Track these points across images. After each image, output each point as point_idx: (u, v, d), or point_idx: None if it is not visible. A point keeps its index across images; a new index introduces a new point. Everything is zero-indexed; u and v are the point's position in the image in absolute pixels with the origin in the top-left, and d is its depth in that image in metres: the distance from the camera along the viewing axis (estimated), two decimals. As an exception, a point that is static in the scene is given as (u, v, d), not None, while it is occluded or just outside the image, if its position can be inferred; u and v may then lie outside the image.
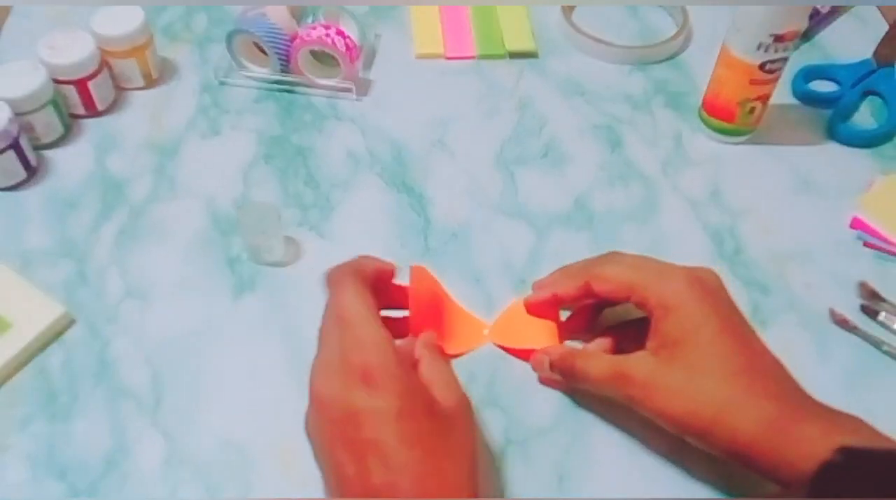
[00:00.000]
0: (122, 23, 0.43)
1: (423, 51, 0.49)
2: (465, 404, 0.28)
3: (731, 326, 0.29)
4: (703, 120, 0.45)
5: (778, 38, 0.39)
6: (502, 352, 0.35)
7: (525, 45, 0.49)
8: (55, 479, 0.31)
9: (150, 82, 0.46)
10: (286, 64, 0.46)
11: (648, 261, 0.31)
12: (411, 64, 0.49)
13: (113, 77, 0.45)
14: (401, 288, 0.32)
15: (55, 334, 0.35)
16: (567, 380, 0.32)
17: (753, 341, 0.29)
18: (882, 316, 0.36)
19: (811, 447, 0.25)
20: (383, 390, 0.25)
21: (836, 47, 0.50)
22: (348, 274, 0.29)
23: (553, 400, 0.33)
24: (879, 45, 0.48)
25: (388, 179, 0.42)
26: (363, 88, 0.47)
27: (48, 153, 0.43)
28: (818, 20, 0.51)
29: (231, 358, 0.34)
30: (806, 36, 0.51)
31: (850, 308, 0.37)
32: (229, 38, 0.45)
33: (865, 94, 0.47)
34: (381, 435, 0.25)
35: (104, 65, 0.44)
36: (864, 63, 0.48)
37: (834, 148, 0.45)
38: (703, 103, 0.44)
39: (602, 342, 0.33)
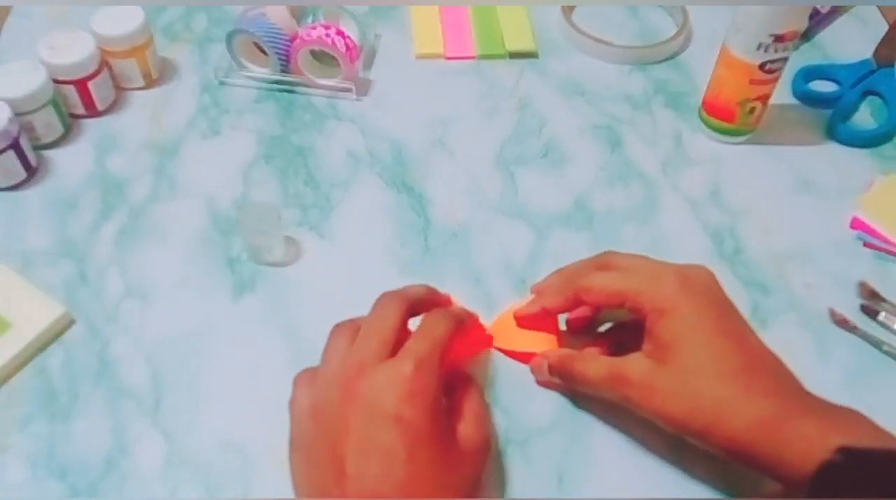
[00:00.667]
0: (122, 23, 0.43)
1: (423, 51, 0.49)
2: (485, 445, 0.29)
3: (724, 324, 0.28)
4: (703, 120, 0.45)
5: (778, 38, 0.39)
6: (501, 352, 0.35)
7: (525, 45, 0.49)
8: (55, 479, 0.31)
9: (150, 82, 0.46)
10: (286, 64, 0.46)
11: (639, 263, 0.31)
12: (411, 64, 0.49)
13: (113, 77, 0.45)
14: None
15: (55, 334, 0.35)
16: (566, 383, 0.32)
17: (749, 338, 0.29)
18: (882, 316, 0.36)
19: (809, 446, 0.25)
20: (411, 404, 0.26)
21: (836, 47, 0.50)
22: (397, 298, 0.30)
23: (553, 400, 0.33)
24: (879, 45, 0.48)
25: (388, 179, 0.42)
26: (363, 88, 0.47)
27: (48, 153, 0.43)
28: (818, 20, 0.51)
29: (231, 358, 0.34)
30: (806, 36, 0.51)
31: (850, 308, 0.37)
32: (229, 38, 0.45)
33: (865, 94, 0.47)
34: (394, 446, 0.26)
35: (104, 65, 0.44)
36: (863, 63, 0.48)
37: (834, 148, 0.45)
38: (703, 103, 0.44)
39: (598, 348, 0.33)
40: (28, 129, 0.41)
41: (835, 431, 0.26)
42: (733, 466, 0.28)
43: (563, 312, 0.33)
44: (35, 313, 0.35)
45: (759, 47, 0.39)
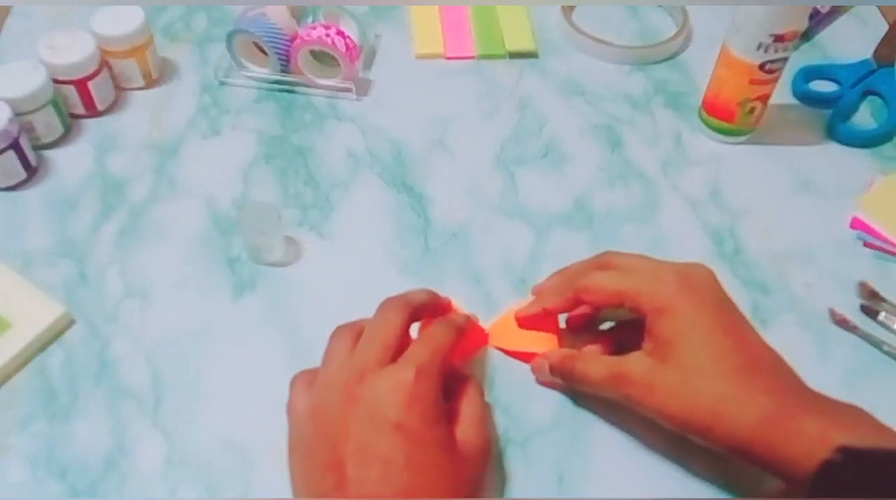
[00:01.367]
0: (122, 23, 0.43)
1: (423, 51, 0.49)
2: (485, 448, 0.29)
3: (724, 322, 0.28)
4: (703, 120, 0.45)
5: (778, 38, 0.39)
6: (502, 352, 0.35)
7: (525, 45, 0.49)
8: (55, 479, 0.31)
9: (150, 82, 0.46)
10: (286, 64, 0.46)
11: (638, 263, 0.31)
12: (411, 64, 0.49)
13: (113, 77, 0.45)
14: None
15: (55, 334, 0.35)
16: (567, 383, 0.32)
17: (749, 335, 0.29)
18: (882, 316, 0.36)
19: (809, 443, 0.25)
20: (411, 408, 0.26)
21: (836, 47, 0.50)
22: (399, 304, 0.30)
23: (553, 400, 0.33)
24: (879, 45, 0.48)
25: (388, 179, 0.42)
26: (363, 88, 0.47)
27: (48, 153, 0.43)
28: (818, 20, 0.51)
29: (231, 358, 0.34)
30: (806, 36, 0.51)
31: (850, 308, 0.37)
32: (229, 38, 0.45)
33: (865, 94, 0.47)
34: (393, 451, 0.26)
35: (104, 65, 0.44)
36: (863, 63, 0.48)
37: (834, 148, 0.45)
38: (703, 103, 0.44)
39: (599, 347, 0.33)
40: (28, 129, 0.41)
41: (835, 428, 0.26)
42: (734, 465, 0.28)
43: (563, 312, 0.33)
44: (35, 312, 0.35)
45: (759, 47, 0.39)
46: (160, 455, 0.31)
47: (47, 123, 0.42)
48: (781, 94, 0.44)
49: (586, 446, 0.32)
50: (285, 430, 0.30)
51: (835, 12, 0.52)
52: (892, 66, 0.47)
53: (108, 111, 0.45)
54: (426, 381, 0.27)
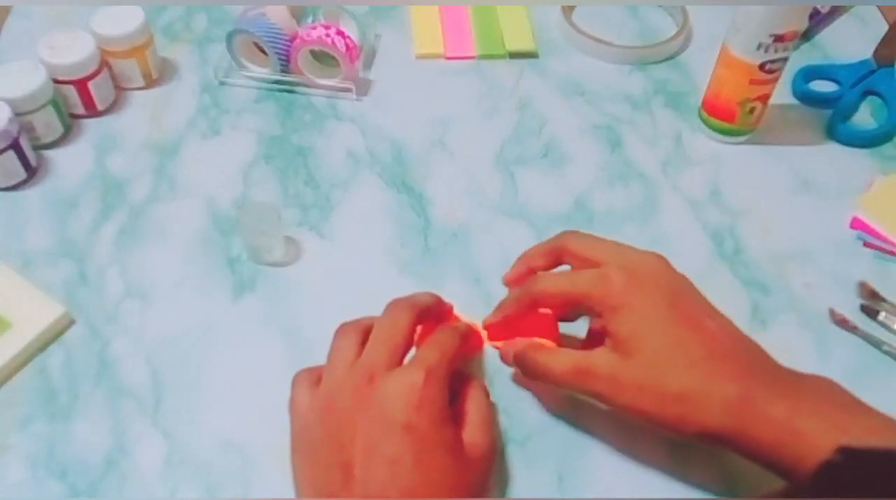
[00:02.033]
0: (122, 23, 0.43)
1: (423, 51, 0.49)
2: (490, 451, 0.29)
3: (679, 311, 0.28)
4: (703, 120, 0.45)
5: (778, 38, 0.39)
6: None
7: (525, 45, 0.49)
8: (55, 479, 0.31)
9: (150, 82, 0.46)
10: (286, 64, 0.46)
11: (588, 254, 0.30)
12: (411, 64, 0.49)
13: (113, 77, 0.45)
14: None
15: (55, 334, 0.35)
16: (528, 376, 0.31)
17: (705, 322, 0.28)
18: (882, 316, 0.36)
19: (775, 432, 0.26)
20: (419, 411, 0.26)
21: (836, 47, 0.50)
22: (407, 305, 0.30)
23: (554, 399, 0.33)
24: (879, 45, 0.48)
25: (388, 180, 0.42)
26: (363, 88, 0.47)
27: (48, 153, 0.43)
28: (818, 20, 0.51)
29: (231, 358, 0.34)
30: (806, 36, 0.51)
31: (850, 308, 0.37)
32: (229, 38, 0.45)
33: (865, 94, 0.47)
34: (402, 453, 0.26)
35: (104, 65, 0.44)
36: (863, 63, 0.48)
37: (834, 148, 0.44)
38: (703, 103, 0.44)
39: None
40: (28, 129, 0.41)
41: (800, 413, 0.26)
42: (733, 465, 0.28)
43: (525, 316, 0.33)
44: (35, 312, 0.35)
45: (759, 47, 0.39)
46: (160, 455, 0.31)
47: (47, 123, 0.42)
48: (781, 94, 0.44)
49: (586, 446, 0.32)
50: (286, 430, 0.30)
51: (835, 12, 0.52)
52: (892, 66, 0.47)
53: (108, 111, 0.45)
54: (435, 383, 0.27)
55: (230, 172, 0.42)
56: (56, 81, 0.42)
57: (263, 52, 0.45)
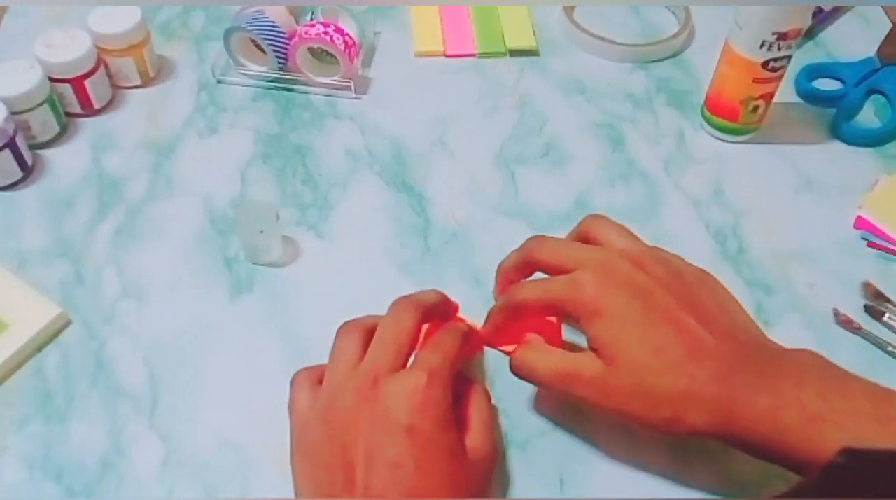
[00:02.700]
0: (119, 21, 0.43)
1: (422, 48, 0.49)
2: (492, 455, 0.29)
3: (654, 312, 0.27)
4: (705, 118, 0.44)
5: (781, 36, 0.38)
6: (502, 353, 0.34)
7: (526, 42, 0.49)
8: (52, 480, 0.30)
9: (147, 81, 0.46)
10: (284, 62, 0.45)
11: (558, 261, 0.29)
12: (411, 62, 0.48)
13: (110, 75, 0.45)
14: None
15: (51, 334, 0.35)
16: (516, 374, 0.30)
17: (683, 320, 0.27)
18: (887, 317, 0.36)
19: (763, 427, 0.26)
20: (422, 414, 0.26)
21: (840, 45, 0.50)
22: (412, 304, 0.30)
23: (553, 402, 0.33)
24: (883, 43, 0.47)
25: (388, 179, 0.42)
26: (362, 86, 0.46)
27: (44, 152, 0.42)
28: (821, 18, 0.51)
29: (228, 358, 0.34)
30: (809, 34, 0.50)
31: (854, 308, 0.36)
32: (227, 35, 0.45)
33: (869, 92, 0.47)
34: (404, 456, 0.26)
35: (101, 63, 0.43)
36: (867, 61, 0.47)
37: (837, 147, 0.44)
38: (706, 102, 0.44)
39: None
40: (24, 128, 0.41)
41: (784, 406, 0.25)
42: (734, 466, 0.28)
43: (512, 324, 0.32)
44: (31, 313, 0.34)
45: (762, 45, 0.39)
46: (157, 456, 0.31)
47: (43, 122, 0.41)
48: (785, 92, 0.44)
49: (587, 448, 0.32)
50: (284, 430, 0.29)
51: (838, 10, 0.52)
52: (896, 64, 0.47)
53: (104, 110, 0.45)
54: (439, 386, 0.27)
55: (228, 171, 0.42)
56: (52, 80, 0.41)
57: (261, 49, 0.45)
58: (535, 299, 0.30)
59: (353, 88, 0.45)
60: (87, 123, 0.44)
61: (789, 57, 0.40)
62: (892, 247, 0.39)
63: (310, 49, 0.45)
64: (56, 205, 0.40)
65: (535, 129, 0.45)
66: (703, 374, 0.27)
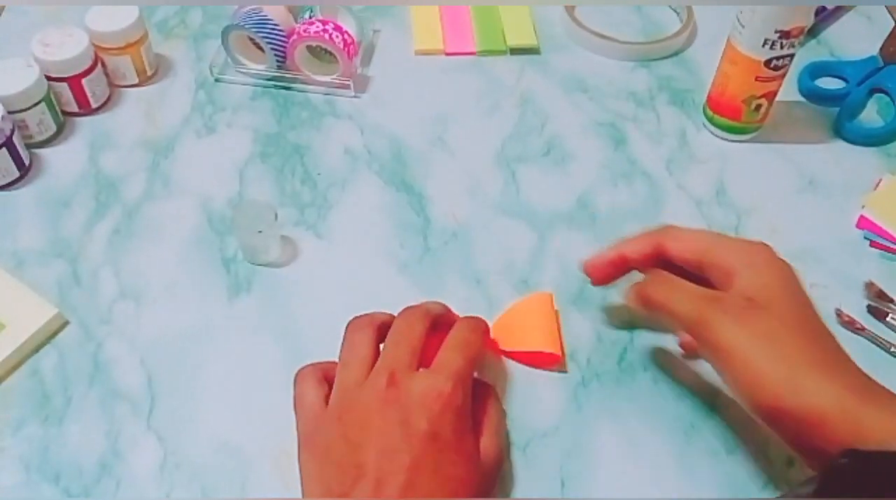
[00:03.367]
0: (116, 19, 0.43)
1: (422, 47, 0.48)
2: (500, 459, 0.29)
3: (803, 311, 0.27)
4: (707, 117, 0.44)
5: (784, 35, 0.38)
6: (504, 355, 0.34)
7: (527, 40, 0.49)
8: (49, 482, 0.30)
9: (144, 79, 0.46)
10: (283, 60, 0.45)
11: (697, 258, 0.30)
12: (410, 60, 0.48)
13: (107, 74, 0.44)
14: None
15: (48, 335, 0.34)
16: (641, 305, 0.29)
17: (827, 336, 0.27)
18: (890, 317, 0.36)
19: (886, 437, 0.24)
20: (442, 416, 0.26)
21: (843, 44, 0.50)
22: (422, 312, 0.30)
23: (554, 403, 0.33)
24: (886, 42, 0.47)
25: (387, 178, 0.41)
26: (361, 84, 0.46)
27: (41, 151, 0.42)
28: (824, 16, 0.51)
29: (226, 359, 0.34)
30: (812, 32, 0.50)
31: (857, 309, 0.36)
32: (225, 34, 0.45)
33: (872, 91, 0.46)
34: (422, 458, 0.26)
35: (98, 62, 0.43)
36: (870, 60, 0.47)
37: (840, 146, 0.44)
38: (708, 100, 0.44)
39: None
40: (21, 127, 0.40)
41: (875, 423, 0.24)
42: (734, 467, 0.28)
43: (640, 263, 0.31)
44: (28, 313, 0.34)
45: (764, 44, 0.38)
46: (155, 459, 0.31)
47: (40, 121, 0.41)
48: (787, 91, 0.44)
49: (588, 450, 0.31)
50: (282, 431, 0.29)
51: (841, 9, 0.52)
52: (900, 63, 0.46)
53: (101, 109, 0.44)
54: (462, 390, 0.27)
55: (226, 171, 0.41)
56: (49, 78, 0.41)
57: (260, 48, 0.45)
58: (694, 236, 0.30)
59: (352, 86, 0.45)
60: (84, 122, 0.44)
61: (792, 55, 0.40)
62: (895, 247, 0.39)
63: (308, 47, 0.45)
64: (53, 205, 0.40)
65: (536, 127, 0.44)
66: (840, 377, 0.26)
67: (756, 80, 0.40)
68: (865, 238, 0.39)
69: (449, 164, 0.42)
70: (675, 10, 0.51)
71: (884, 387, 0.27)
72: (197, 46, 0.48)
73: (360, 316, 0.30)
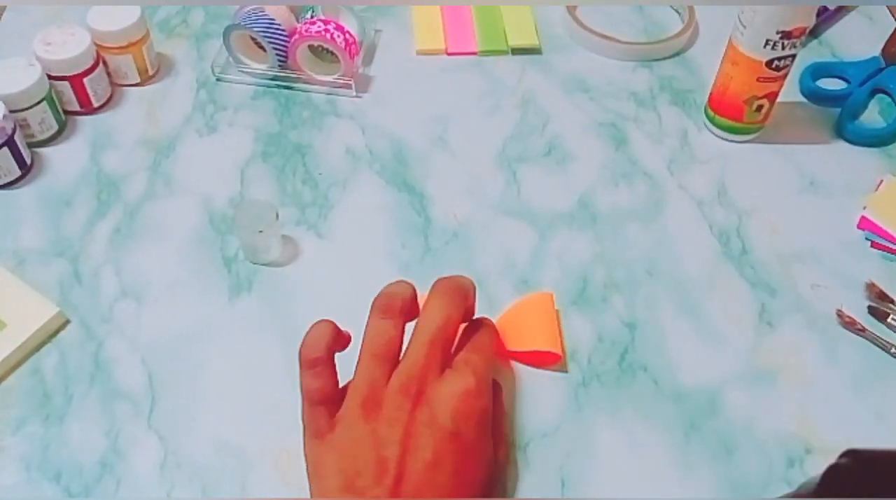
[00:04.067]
0: (118, 18, 0.43)
1: (423, 47, 0.48)
2: (507, 457, 0.30)
3: None
4: (709, 118, 0.44)
5: (785, 35, 0.38)
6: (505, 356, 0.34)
7: (528, 40, 0.49)
8: (50, 481, 0.30)
9: (146, 78, 0.46)
10: (284, 60, 0.45)
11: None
12: (412, 60, 0.48)
13: (108, 73, 0.44)
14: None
15: (49, 334, 0.34)
16: None
17: None
18: (891, 318, 0.36)
19: None
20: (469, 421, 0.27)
21: (845, 45, 0.50)
22: (461, 297, 0.29)
23: (554, 404, 0.33)
24: (888, 42, 0.47)
25: (388, 178, 0.41)
26: (363, 84, 0.46)
27: (43, 150, 0.42)
28: (826, 17, 0.51)
29: (227, 359, 0.34)
30: (813, 33, 0.50)
31: (858, 310, 0.36)
32: (226, 33, 0.45)
33: (874, 92, 0.46)
34: (444, 458, 0.26)
35: (100, 61, 0.43)
36: (872, 61, 0.47)
37: (842, 147, 0.44)
38: (710, 101, 0.44)
39: None
40: (23, 126, 0.40)
41: None
42: (738, 473, 0.28)
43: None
44: (29, 312, 0.34)
45: (766, 44, 0.38)
46: (155, 458, 0.31)
47: (42, 120, 0.41)
48: (789, 91, 0.44)
49: (588, 450, 0.31)
50: (283, 431, 0.29)
51: (842, 9, 0.52)
52: (901, 63, 0.46)
53: (103, 108, 0.44)
54: (486, 392, 0.28)
55: (227, 170, 0.41)
56: (51, 78, 0.41)
57: (261, 47, 0.45)
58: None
59: (353, 86, 0.45)
60: (85, 121, 0.44)
61: (794, 56, 0.39)
62: (895, 248, 0.39)
63: (310, 47, 0.45)
64: (54, 204, 0.40)
65: (538, 127, 0.44)
66: None
67: (757, 80, 0.40)
68: (866, 239, 0.39)
69: (450, 164, 0.42)
70: (676, 11, 0.51)
71: None
72: (198, 46, 0.48)
73: (385, 298, 0.29)
